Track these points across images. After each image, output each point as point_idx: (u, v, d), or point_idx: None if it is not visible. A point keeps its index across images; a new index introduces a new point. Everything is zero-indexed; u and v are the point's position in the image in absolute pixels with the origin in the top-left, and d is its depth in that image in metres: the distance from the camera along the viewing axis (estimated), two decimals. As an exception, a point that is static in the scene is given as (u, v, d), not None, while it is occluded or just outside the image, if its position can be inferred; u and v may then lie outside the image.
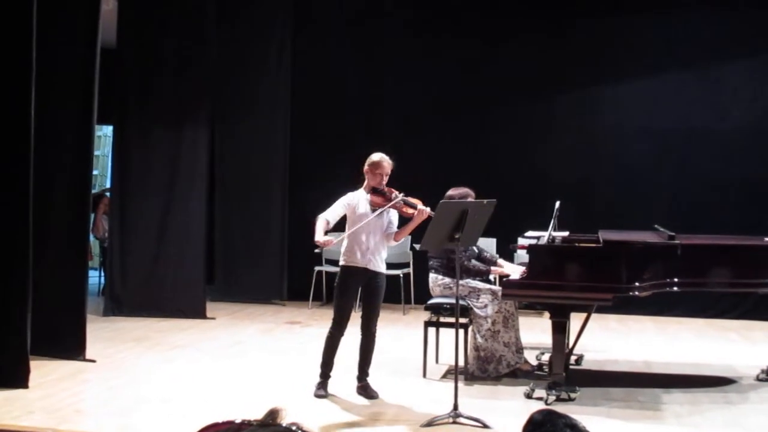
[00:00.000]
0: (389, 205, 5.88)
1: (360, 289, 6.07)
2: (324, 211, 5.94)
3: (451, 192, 6.63)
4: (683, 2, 9.97)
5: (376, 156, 6.03)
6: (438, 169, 10.08)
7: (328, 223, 5.91)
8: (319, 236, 5.78)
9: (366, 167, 6.03)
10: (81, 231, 7.28)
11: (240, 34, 10.30)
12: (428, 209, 5.82)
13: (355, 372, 6.11)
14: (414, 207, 5.89)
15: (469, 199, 6.44)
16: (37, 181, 6.27)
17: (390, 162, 6.01)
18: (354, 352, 6.13)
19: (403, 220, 6.04)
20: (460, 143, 10.33)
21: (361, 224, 5.85)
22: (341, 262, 6.06)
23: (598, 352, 7.65)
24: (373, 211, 5.92)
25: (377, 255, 6.00)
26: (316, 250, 5.95)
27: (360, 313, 6.14)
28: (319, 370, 6.08)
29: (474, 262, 6.85)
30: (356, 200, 5.98)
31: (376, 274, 6.01)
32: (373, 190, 5.96)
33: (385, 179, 5.98)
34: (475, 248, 6.91)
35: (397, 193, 5.93)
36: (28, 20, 6.07)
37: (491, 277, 7.35)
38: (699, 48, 9.88)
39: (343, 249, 6.04)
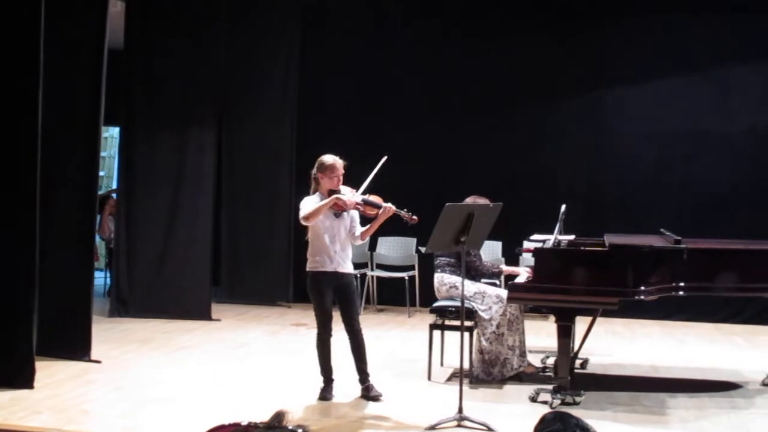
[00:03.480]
0: (351, 206, 5.84)
1: (333, 291, 6.00)
2: (299, 216, 5.91)
3: (468, 200, 6.65)
4: (691, 5, 9.95)
5: (328, 159, 5.97)
6: (444, 172, 10.10)
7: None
8: (319, 203, 5.79)
9: (318, 172, 5.95)
10: (87, 232, 7.31)
11: (248, 36, 10.33)
12: (392, 206, 5.83)
13: (356, 375, 6.09)
14: (377, 206, 5.87)
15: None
16: (44, 181, 6.29)
17: (342, 162, 5.97)
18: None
19: (368, 219, 6.01)
20: (466, 147, 10.32)
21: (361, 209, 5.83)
22: (309, 268, 5.99)
23: (604, 356, 7.64)
24: (335, 214, 5.92)
25: (345, 256, 6.00)
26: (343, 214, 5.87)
27: (341, 318, 6.07)
28: (321, 377, 6.08)
29: (485, 262, 6.89)
30: (315, 206, 5.91)
31: (345, 275, 6.01)
32: (331, 193, 5.90)
33: (341, 180, 5.97)
34: (481, 253, 6.93)
35: (355, 192, 5.91)
36: (36, 22, 6.08)
37: (497, 280, 7.38)
38: (708, 51, 9.87)
39: (309, 255, 6.01)
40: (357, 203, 5.86)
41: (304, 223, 5.92)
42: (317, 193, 5.98)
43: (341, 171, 5.95)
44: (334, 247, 5.92)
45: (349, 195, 5.89)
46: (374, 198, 5.94)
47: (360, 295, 9.07)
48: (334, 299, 6.02)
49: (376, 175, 5.99)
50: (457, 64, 10.39)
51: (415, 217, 5.83)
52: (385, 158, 5.88)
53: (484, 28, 10.34)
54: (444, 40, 10.42)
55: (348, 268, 6.03)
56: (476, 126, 10.39)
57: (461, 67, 10.38)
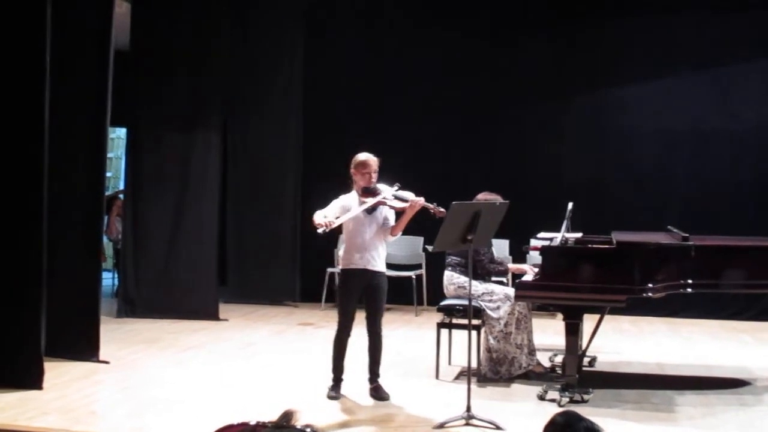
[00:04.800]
0: (374, 201, 5.82)
1: (362, 290, 6.02)
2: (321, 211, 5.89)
3: (480, 196, 6.64)
4: (696, 3, 9.94)
5: (361, 156, 5.99)
6: (450, 170, 10.09)
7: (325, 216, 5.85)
8: (319, 218, 5.71)
9: (353, 169, 5.99)
10: (94, 232, 7.31)
11: (252, 36, 10.35)
12: (421, 199, 5.80)
13: (367, 374, 6.11)
14: (404, 200, 5.85)
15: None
16: (51, 182, 6.30)
17: (376, 159, 5.98)
18: (365, 353, 6.13)
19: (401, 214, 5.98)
20: (472, 145, 10.33)
21: (361, 209, 5.81)
22: (341, 265, 6.04)
23: (612, 354, 7.63)
24: (367, 211, 5.91)
25: (376, 254, 5.97)
26: (320, 230, 5.65)
27: (364, 315, 6.11)
28: (331, 374, 6.09)
29: (494, 264, 6.90)
30: (349, 203, 5.93)
31: (376, 274, 5.98)
32: (365, 190, 5.92)
33: (374, 177, 5.96)
34: (493, 250, 6.94)
35: (387, 188, 5.90)
36: (42, 23, 6.09)
37: (504, 278, 7.38)
38: (711, 49, 9.85)
39: (341, 252, 6.04)
40: (382, 199, 5.83)
41: None
42: (354, 191, 6.00)
43: (374, 168, 5.95)
44: (365, 245, 5.91)
45: (382, 190, 5.87)
46: (405, 193, 5.91)
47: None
48: (361, 298, 6.04)
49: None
50: (464, 63, 10.38)
51: (442, 209, 5.76)
52: (397, 185, 5.87)
53: (486, 27, 10.33)
54: (451, 38, 10.40)
55: (379, 266, 6.00)
56: (479, 125, 10.39)
57: (468, 65, 10.37)
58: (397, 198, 5.88)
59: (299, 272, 10.50)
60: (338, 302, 6.11)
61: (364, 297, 6.05)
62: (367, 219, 5.91)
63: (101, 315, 7.29)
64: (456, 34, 10.40)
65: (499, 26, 10.33)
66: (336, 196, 6.06)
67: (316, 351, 7.51)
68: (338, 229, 5.97)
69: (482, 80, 10.33)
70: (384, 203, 5.89)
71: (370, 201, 5.82)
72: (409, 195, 5.89)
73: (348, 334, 6.01)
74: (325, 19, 10.69)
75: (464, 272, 6.67)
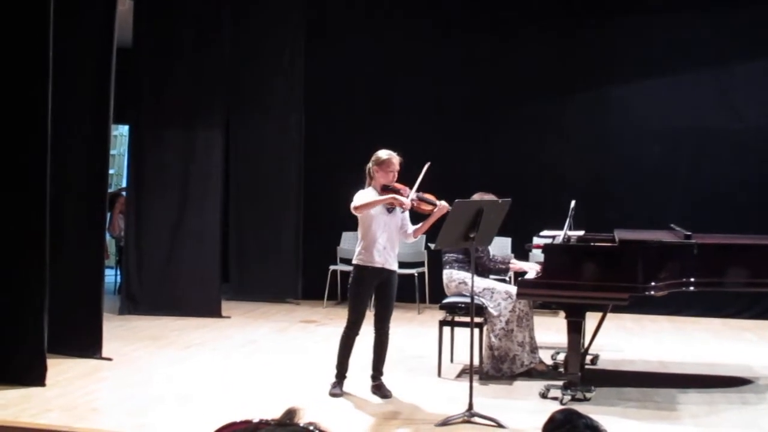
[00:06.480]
0: (407, 207, 5.81)
1: (375, 288, 6.04)
2: (350, 206, 5.83)
3: (475, 196, 6.63)
4: (696, 3, 9.92)
5: (384, 154, 5.95)
6: (452, 169, 10.06)
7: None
8: (391, 197, 5.76)
9: (374, 166, 5.94)
10: (97, 230, 7.32)
11: (254, 33, 10.35)
12: (447, 204, 5.78)
13: (370, 371, 6.11)
14: (431, 203, 5.84)
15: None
16: (54, 179, 6.30)
17: (398, 158, 5.96)
18: (369, 351, 6.14)
19: (419, 216, 5.98)
20: (474, 143, 10.32)
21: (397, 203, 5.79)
22: (356, 262, 6.00)
23: (614, 352, 7.63)
24: (388, 210, 5.90)
25: (393, 254, 5.98)
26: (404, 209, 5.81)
27: (373, 312, 6.13)
28: (334, 370, 6.09)
29: (495, 257, 6.90)
30: (371, 198, 5.93)
31: (391, 273, 5.98)
32: (385, 189, 5.90)
33: (396, 176, 5.95)
34: (489, 249, 6.93)
35: (409, 190, 5.88)
36: (45, 20, 6.09)
37: (506, 277, 7.35)
38: (714, 48, 9.83)
39: (357, 248, 6.03)
40: (412, 200, 5.83)
41: (354, 212, 5.84)
42: (371, 187, 5.97)
43: (396, 166, 5.93)
44: (384, 243, 5.90)
45: (403, 190, 5.87)
46: (428, 195, 5.90)
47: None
48: (371, 296, 6.04)
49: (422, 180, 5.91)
50: (465, 61, 10.36)
51: None
52: (428, 165, 5.83)
53: (488, 26, 10.32)
54: (452, 36, 10.40)
55: (394, 266, 6.00)
56: (482, 124, 10.38)
57: (469, 63, 10.36)
58: (422, 200, 5.87)
59: (301, 270, 10.51)
60: (350, 299, 6.07)
61: (375, 295, 6.05)
62: (387, 218, 5.91)
63: (104, 312, 7.30)
64: (457, 32, 10.40)
65: (500, 25, 10.31)
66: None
67: (318, 349, 7.52)
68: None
69: (483, 79, 10.32)
70: (412, 204, 5.85)
71: (406, 206, 5.79)
72: (432, 198, 5.89)
73: (357, 332, 6.01)
74: (327, 18, 10.68)
75: (463, 268, 6.68)
